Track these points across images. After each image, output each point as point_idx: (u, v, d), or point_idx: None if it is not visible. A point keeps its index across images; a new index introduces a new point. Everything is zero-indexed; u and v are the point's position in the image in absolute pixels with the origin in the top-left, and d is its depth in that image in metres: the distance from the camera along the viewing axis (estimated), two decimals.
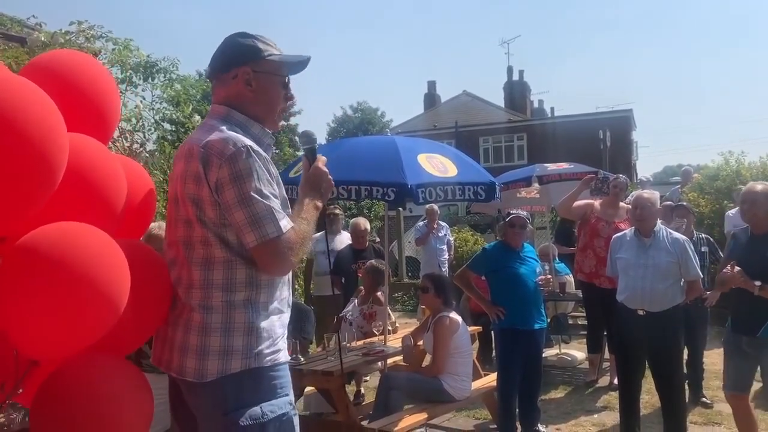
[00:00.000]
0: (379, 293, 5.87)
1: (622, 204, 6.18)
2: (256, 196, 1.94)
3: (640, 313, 4.35)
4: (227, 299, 1.98)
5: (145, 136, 6.38)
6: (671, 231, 4.49)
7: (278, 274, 2.08)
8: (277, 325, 2.08)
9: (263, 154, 2.02)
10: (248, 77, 2.11)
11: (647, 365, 4.52)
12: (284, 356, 2.10)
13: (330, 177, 2.24)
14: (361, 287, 6.03)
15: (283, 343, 2.12)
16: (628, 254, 4.47)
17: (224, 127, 2.04)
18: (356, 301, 5.93)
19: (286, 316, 2.15)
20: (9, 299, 1.70)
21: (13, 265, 1.73)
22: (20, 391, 1.92)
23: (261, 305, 2.03)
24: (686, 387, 4.70)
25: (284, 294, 2.14)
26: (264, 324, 2.02)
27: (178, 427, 2.21)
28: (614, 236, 4.77)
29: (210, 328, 1.97)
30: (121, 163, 2.22)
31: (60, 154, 1.75)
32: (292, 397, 2.10)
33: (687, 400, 4.76)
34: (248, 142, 1.99)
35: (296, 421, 2.09)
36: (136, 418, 1.96)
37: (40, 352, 1.79)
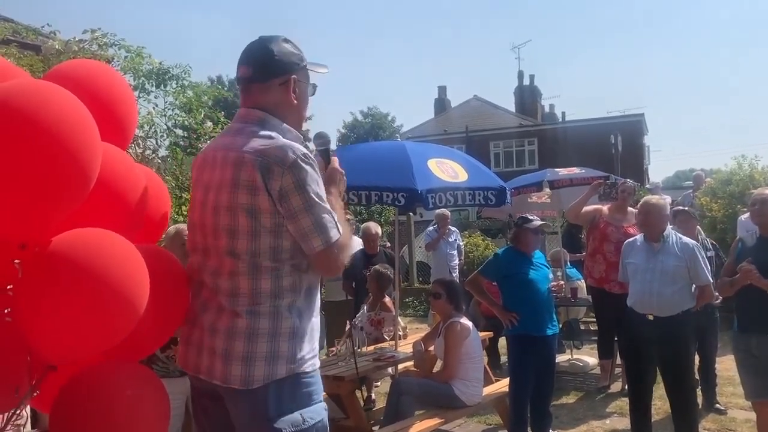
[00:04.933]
0: (386, 299, 5.88)
1: (630, 209, 6.16)
2: (319, 201, 1.99)
3: (649, 317, 4.34)
4: (275, 304, 1.99)
5: (157, 143, 6.46)
6: (681, 236, 4.47)
7: (334, 275, 2.22)
8: (315, 330, 2.11)
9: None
10: (294, 85, 2.14)
11: (658, 370, 4.50)
12: (318, 362, 2.12)
13: (344, 177, 2.28)
14: (370, 294, 6.03)
15: (318, 349, 2.14)
16: (637, 259, 4.47)
17: (269, 133, 2.05)
18: (365, 307, 5.94)
19: (318, 322, 2.17)
20: (29, 304, 1.73)
21: (33, 270, 1.76)
22: (36, 393, 1.95)
23: (303, 311, 2.06)
24: (699, 393, 4.66)
25: (318, 300, 2.16)
26: (306, 329, 2.06)
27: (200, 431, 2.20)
28: (626, 241, 4.76)
29: (257, 333, 1.97)
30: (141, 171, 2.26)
31: (95, 164, 1.78)
32: (324, 403, 2.12)
33: (700, 406, 4.73)
34: (303, 148, 2.01)
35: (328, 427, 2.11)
36: (155, 424, 1.98)
37: (58, 356, 1.81)
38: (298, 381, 2.01)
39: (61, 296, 1.71)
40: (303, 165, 1.97)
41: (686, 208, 6.06)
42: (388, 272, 5.93)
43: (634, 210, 6.06)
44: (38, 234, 1.81)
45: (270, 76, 2.11)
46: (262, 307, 1.98)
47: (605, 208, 6.16)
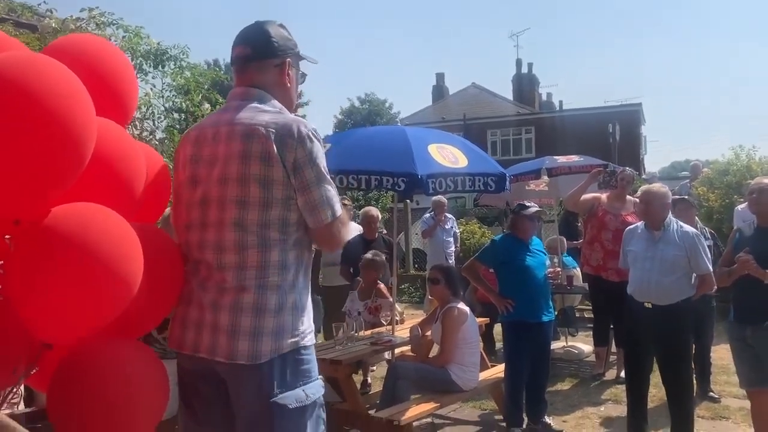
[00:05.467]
0: (381, 285, 5.87)
1: (629, 197, 6.16)
2: (327, 176, 2.07)
3: (647, 306, 4.34)
4: (282, 277, 2.02)
5: (154, 124, 6.41)
6: (682, 224, 4.47)
7: (335, 249, 2.34)
8: (311, 308, 2.15)
9: None
10: (288, 68, 2.20)
11: (655, 359, 4.51)
12: (314, 338, 2.16)
13: None
14: (359, 279, 6.01)
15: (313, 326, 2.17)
16: (637, 247, 4.47)
17: (274, 108, 2.11)
18: (356, 294, 5.92)
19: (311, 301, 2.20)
20: (22, 281, 1.70)
21: (26, 246, 1.72)
22: (33, 372, 1.93)
23: (303, 286, 2.10)
24: (694, 381, 4.69)
25: (310, 277, 2.20)
26: (306, 304, 2.10)
27: (187, 414, 2.18)
28: (627, 228, 4.76)
29: (265, 308, 1.99)
30: (141, 149, 2.22)
31: (89, 139, 1.74)
32: (321, 380, 2.14)
33: (695, 394, 4.75)
34: (311, 124, 2.07)
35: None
36: (153, 403, 1.96)
37: (53, 334, 1.78)
38: (299, 356, 2.04)
39: (52, 270, 1.68)
40: (314, 139, 2.04)
41: (686, 197, 6.06)
42: (380, 258, 5.91)
43: (632, 198, 6.07)
44: (33, 210, 1.78)
45: (267, 55, 2.16)
46: (270, 280, 2.00)
47: (604, 196, 6.15)
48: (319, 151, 2.05)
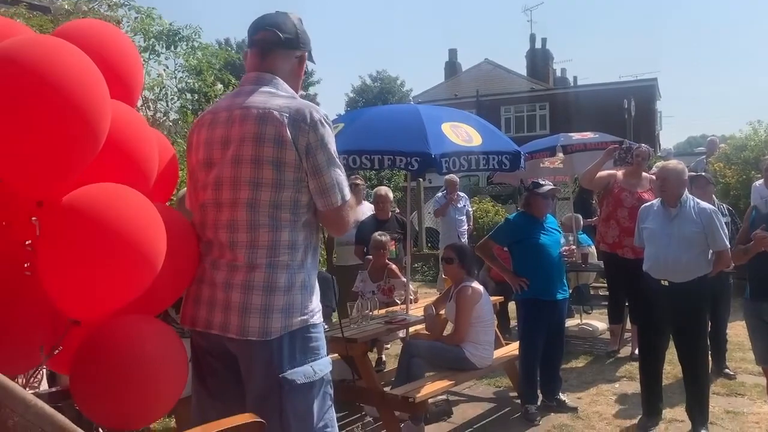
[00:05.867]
0: (392, 266, 5.89)
1: (644, 174, 6.10)
2: (337, 160, 2.14)
3: (664, 283, 4.32)
4: (290, 258, 2.09)
5: (168, 105, 6.40)
6: (699, 201, 4.43)
7: (342, 233, 2.39)
8: (318, 288, 2.22)
9: None
10: (305, 62, 2.33)
11: (671, 336, 4.50)
12: (322, 317, 2.22)
13: None
14: (370, 257, 6.03)
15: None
16: (653, 224, 4.43)
17: (288, 94, 2.19)
18: (367, 274, 5.94)
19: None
20: (50, 258, 1.74)
21: (54, 225, 1.76)
22: (57, 352, 1.96)
23: (312, 266, 2.17)
24: (709, 358, 4.69)
25: (318, 258, 2.28)
26: (314, 283, 2.17)
27: (201, 390, 2.23)
28: (643, 206, 4.73)
29: (275, 286, 2.06)
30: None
31: (105, 120, 1.78)
32: (329, 357, 2.21)
33: (710, 371, 4.75)
34: (322, 110, 2.15)
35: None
36: (175, 379, 1.99)
37: (79, 311, 1.82)
38: (308, 333, 2.11)
39: (80, 247, 1.72)
40: (325, 124, 2.11)
41: (703, 174, 6.00)
42: (386, 237, 5.92)
43: (648, 175, 6.01)
44: (54, 191, 1.81)
45: (293, 46, 2.25)
46: (280, 260, 2.06)
47: (620, 173, 6.10)
48: (330, 136, 2.12)
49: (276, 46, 2.22)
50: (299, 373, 2.06)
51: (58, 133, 1.67)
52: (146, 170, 2.13)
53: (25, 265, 1.82)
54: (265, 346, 2.04)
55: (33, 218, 1.85)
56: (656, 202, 4.56)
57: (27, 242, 1.82)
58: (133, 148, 2.07)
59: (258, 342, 2.03)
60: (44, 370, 2.75)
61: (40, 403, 1.27)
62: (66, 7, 5.50)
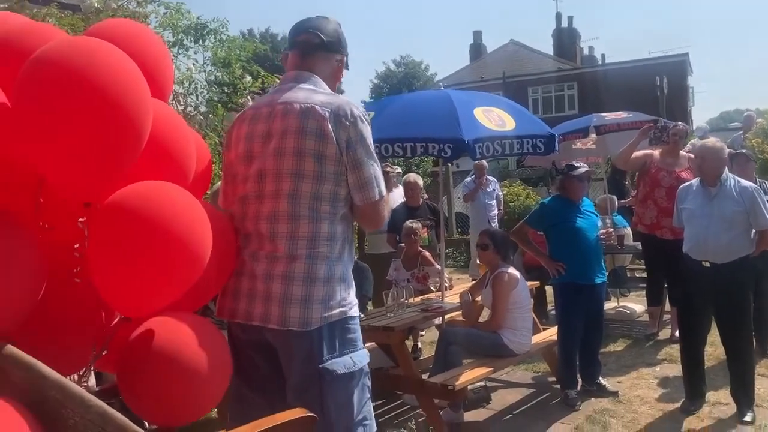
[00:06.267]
0: (425, 253, 5.87)
1: (682, 152, 5.97)
2: (375, 156, 2.21)
3: (705, 264, 4.23)
4: (329, 250, 2.13)
5: (197, 99, 6.45)
6: (740, 179, 4.32)
7: (377, 227, 2.44)
8: (354, 274, 2.26)
9: None
10: (343, 66, 2.41)
11: (712, 317, 4.42)
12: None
13: None
14: (402, 245, 6.01)
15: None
16: (693, 204, 4.34)
17: (328, 91, 2.26)
18: (400, 262, 5.93)
19: None
20: (103, 258, 1.76)
21: (104, 224, 1.78)
22: (105, 352, 1.99)
23: (347, 258, 2.21)
24: (753, 339, 4.59)
25: (353, 251, 2.30)
26: (350, 276, 2.21)
27: (240, 382, 2.23)
28: (681, 186, 4.63)
29: (315, 277, 2.09)
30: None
31: (148, 118, 1.80)
32: (365, 349, 2.24)
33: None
34: (362, 108, 2.24)
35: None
36: (221, 373, 2.01)
37: (134, 309, 1.84)
38: (346, 324, 2.14)
39: (132, 247, 1.74)
40: (364, 120, 2.18)
41: (744, 151, 5.84)
42: (416, 225, 5.90)
43: (686, 154, 5.88)
44: (100, 192, 1.83)
45: (335, 50, 2.34)
46: (320, 251, 2.10)
47: (656, 152, 5.97)
48: (369, 133, 2.18)
49: (318, 49, 2.30)
50: (339, 364, 2.09)
51: (105, 133, 1.68)
52: (185, 167, 2.15)
53: (76, 270, 1.84)
54: (306, 337, 2.07)
55: (80, 220, 1.88)
56: (695, 181, 4.46)
57: (75, 246, 1.84)
58: (173, 145, 2.09)
59: (298, 332, 2.06)
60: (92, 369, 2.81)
61: (100, 402, 1.29)
62: (96, 4, 5.56)
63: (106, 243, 1.76)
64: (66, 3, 5.64)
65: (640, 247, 6.42)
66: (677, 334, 5.79)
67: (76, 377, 2.00)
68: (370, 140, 2.19)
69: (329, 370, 2.06)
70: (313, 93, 2.20)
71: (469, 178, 9.71)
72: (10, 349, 1.42)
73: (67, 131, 1.65)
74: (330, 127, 2.10)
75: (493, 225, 8.60)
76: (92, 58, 1.71)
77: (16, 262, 1.65)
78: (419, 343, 6.24)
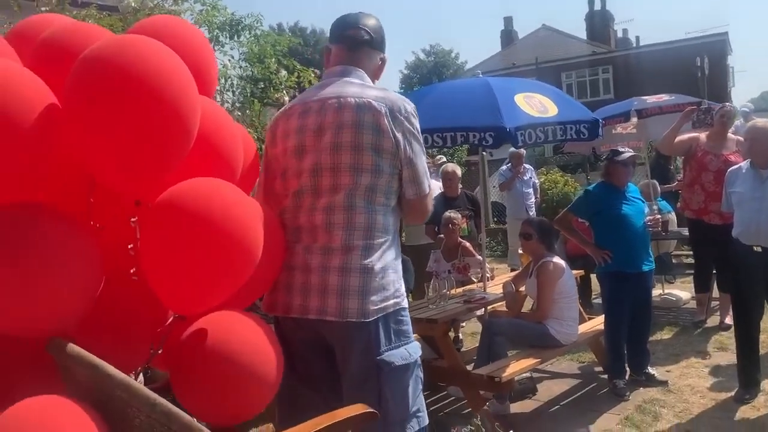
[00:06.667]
0: (466, 244, 5.82)
1: (730, 135, 5.78)
2: (424, 150, 2.26)
3: (757, 249, 4.10)
4: (383, 241, 2.15)
5: (234, 95, 6.49)
6: None
7: (422, 221, 2.56)
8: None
9: None
10: (384, 64, 2.44)
11: (765, 303, 4.29)
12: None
13: None
14: (442, 236, 5.96)
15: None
16: (743, 188, 4.21)
17: (377, 86, 2.30)
18: (440, 254, 5.89)
19: None
20: (157, 257, 1.76)
21: (158, 222, 1.79)
22: (160, 351, 2.00)
23: (397, 250, 2.22)
24: None
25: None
26: (399, 267, 2.22)
27: (291, 377, 2.20)
28: (730, 169, 4.49)
29: (372, 268, 2.10)
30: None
31: (196, 115, 1.80)
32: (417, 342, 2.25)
33: None
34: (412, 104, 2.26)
35: None
36: (274, 370, 2.00)
37: (189, 307, 1.85)
38: (400, 316, 2.16)
39: (186, 244, 1.74)
40: (416, 116, 2.23)
41: None
42: (455, 215, 5.85)
43: (734, 136, 5.70)
44: (151, 190, 1.84)
45: (380, 48, 2.38)
46: (375, 242, 2.12)
47: (703, 135, 5.78)
48: (419, 128, 2.23)
49: (365, 45, 2.32)
50: (396, 356, 2.09)
51: (155, 130, 1.69)
52: (233, 163, 2.15)
53: (131, 270, 1.85)
54: (364, 328, 2.07)
55: (132, 219, 1.88)
56: (744, 164, 4.32)
57: (129, 246, 1.85)
58: (221, 141, 2.09)
59: (357, 324, 2.06)
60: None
61: (165, 401, 1.28)
62: (133, 4, 5.62)
63: (160, 241, 1.76)
64: (104, 4, 5.72)
65: (685, 232, 6.26)
66: (727, 320, 5.67)
67: (132, 376, 2.01)
68: (420, 135, 2.23)
69: (387, 361, 2.07)
70: (365, 88, 2.22)
71: (504, 167, 9.58)
72: (75, 348, 1.43)
73: (117, 128, 1.65)
74: (386, 121, 2.13)
75: (530, 214, 8.48)
76: (140, 56, 1.71)
77: (75, 261, 1.66)
78: (460, 335, 6.19)
